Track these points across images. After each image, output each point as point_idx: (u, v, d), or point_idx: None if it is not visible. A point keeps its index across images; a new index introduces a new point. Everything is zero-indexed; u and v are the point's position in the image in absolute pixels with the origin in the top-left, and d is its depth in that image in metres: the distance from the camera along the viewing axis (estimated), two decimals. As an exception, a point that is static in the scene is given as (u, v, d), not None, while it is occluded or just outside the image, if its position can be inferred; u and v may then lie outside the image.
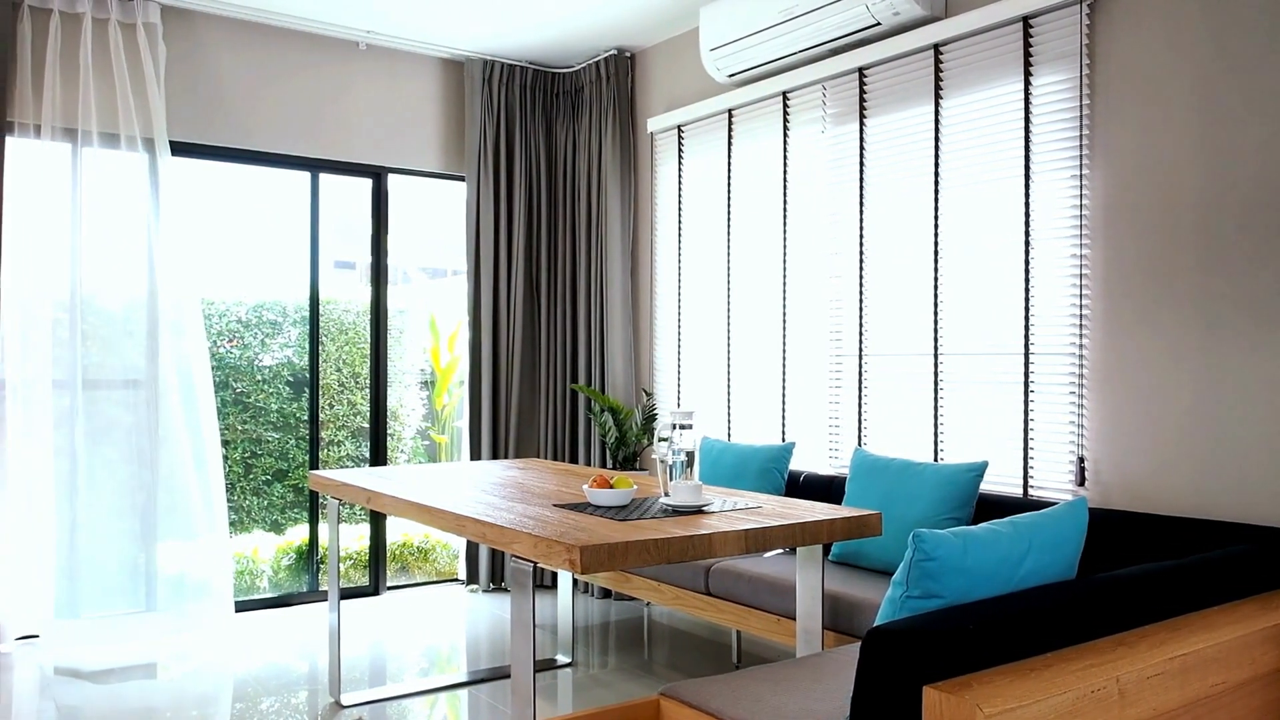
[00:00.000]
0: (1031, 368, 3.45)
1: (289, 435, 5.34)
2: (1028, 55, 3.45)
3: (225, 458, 5.20)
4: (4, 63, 4.16)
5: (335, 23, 4.96)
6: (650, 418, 4.93)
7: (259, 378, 5.27)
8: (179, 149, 4.75)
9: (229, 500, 5.23)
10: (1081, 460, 3.29)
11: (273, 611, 4.90)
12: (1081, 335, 3.31)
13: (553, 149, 5.63)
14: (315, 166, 5.11)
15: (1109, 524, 3.04)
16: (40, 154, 4.33)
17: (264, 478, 5.32)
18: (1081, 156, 3.30)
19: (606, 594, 5.23)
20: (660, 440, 2.91)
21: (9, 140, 4.26)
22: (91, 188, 4.41)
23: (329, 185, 5.21)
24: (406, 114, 5.34)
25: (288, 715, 3.47)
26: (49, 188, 4.35)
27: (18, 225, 4.29)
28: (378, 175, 5.32)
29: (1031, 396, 3.45)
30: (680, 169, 5.06)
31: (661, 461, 2.91)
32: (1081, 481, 3.29)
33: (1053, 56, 3.39)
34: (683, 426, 2.84)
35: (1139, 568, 2.24)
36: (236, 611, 4.87)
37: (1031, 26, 3.44)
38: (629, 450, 4.87)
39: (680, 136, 5.05)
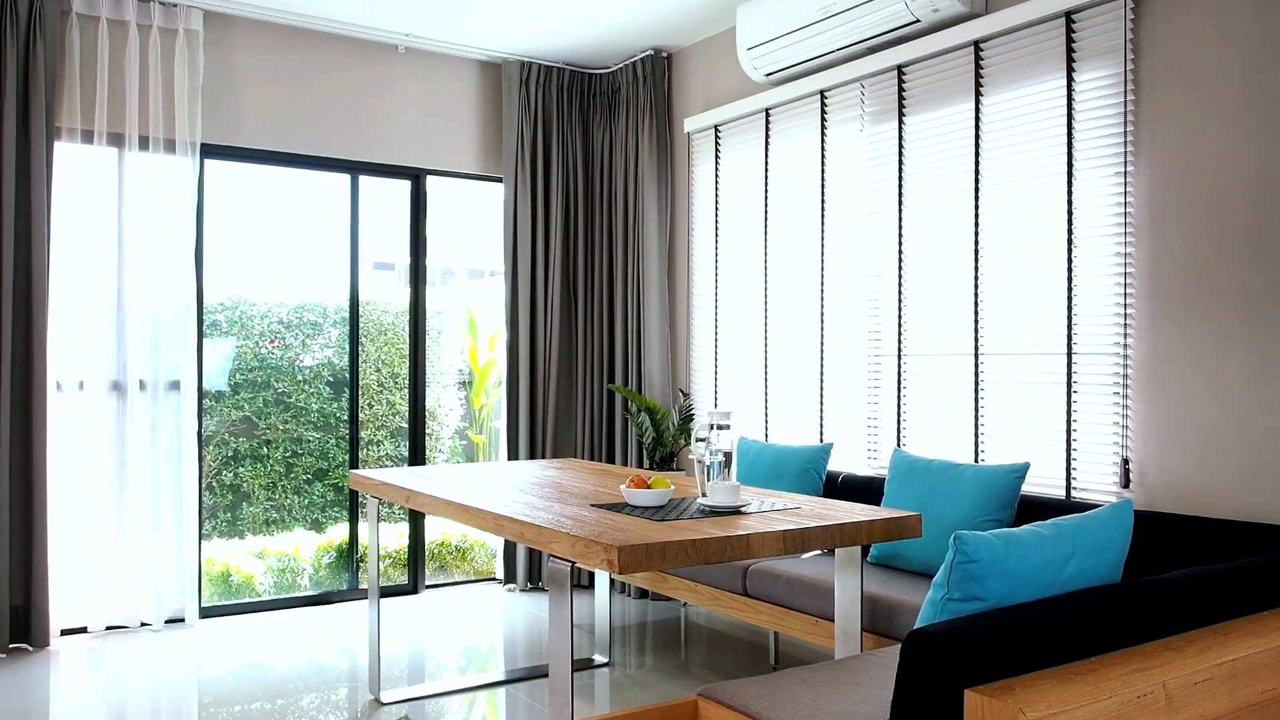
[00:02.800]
0: (1074, 367, 3.40)
1: (329, 435, 5.39)
2: (1070, 51, 3.41)
3: (266, 457, 5.26)
4: (53, 69, 4.24)
5: (374, 26, 5.01)
6: (687, 418, 4.92)
7: (300, 378, 5.33)
8: (221, 152, 4.82)
9: (270, 499, 5.30)
10: (1126, 461, 3.24)
11: (313, 609, 4.95)
12: (1126, 334, 3.25)
13: (590, 149, 5.64)
14: (355, 169, 5.16)
15: (1155, 526, 2.99)
16: (87, 158, 4.42)
17: (305, 477, 5.38)
18: (1126, 153, 3.25)
19: (643, 594, 5.23)
20: (697, 440, 2.91)
21: (57, 145, 4.34)
22: (137, 192, 4.48)
23: (368, 187, 5.26)
24: (445, 116, 5.38)
25: (328, 712, 3.51)
26: (96, 192, 4.44)
27: (66, 229, 4.37)
28: (416, 177, 5.36)
29: (1074, 396, 3.40)
30: (717, 169, 5.05)
31: (699, 462, 2.90)
32: (1126, 483, 3.24)
33: (1096, 52, 3.34)
34: (720, 427, 2.83)
35: (1186, 571, 2.20)
36: (275, 610, 4.93)
37: (1074, 22, 3.39)
38: (666, 450, 4.87)
39: (717, 136, 5.04)
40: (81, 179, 4.41)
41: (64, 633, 4.40)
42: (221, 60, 4.77)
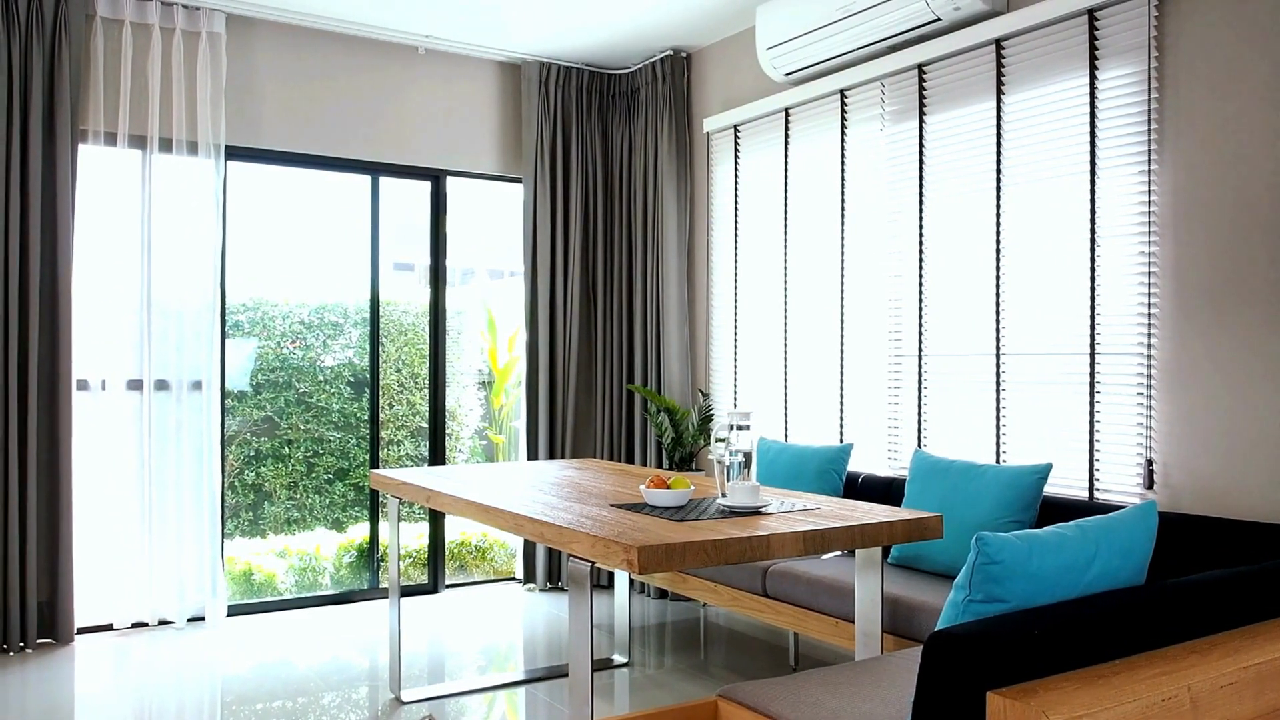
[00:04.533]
0: (1097, 367, 3.38)
1: (350, 435, 5.42)
2: (1093, 49, 3.38)
3: (287, 456, 5.30)
4: (78, 73, 4.28)
5: (394, 28, 5.03)
6: (707, 418, 4.92)
7: (321, 378, 5.36)
8: (243, 154, 4.85)
9: (291, 499, 5.33)
10: (1150, 462, 3.21)
11: (334, 608, 4.98)
12: (1150, 334, 3.23)
13: (609, 150, 5.65)
14: (375, 170, 5.19)
15: (1179, 528, 2.96)
16: (112, 161, 4.46)
17: (326, 476, 5.41)
18: (1150, 151, 3.22)
19: (663, 594, 5.23)
20: (717, 441, 2.90)
21: (82, 148, 4.39)
22: (160, 194, 4.52)
23: (388, 188, 5.28)
24: (464, 117, 5.40)
25: (349, 710, 3.53)
26: (120, 194, 4.48)
27: (91, 231, 4.42)
28: (436, 178, 5.38)
29: (1097, 397, 3.38)
30: (736, 169, 5.04)
31: (718, 462, 2.90)
32: (1150, 484, 3.21)
33: (1119, 49, 3.31)
34: (740, 427, 2.82)
35: (1211, 573, 2.18)
36: (297, 609, 4.96)
37: (1097, 19, 3.37)
38: (685, 451, 4.87)
39: (736, 136, 5.03)
40: (106, 181, 4.45)
41: (88, 629, 4.44)
42: (243, 63, 4.81)
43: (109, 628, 4.48)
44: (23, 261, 4.20)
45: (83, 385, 4.41)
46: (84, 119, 4.38)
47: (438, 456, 5.41)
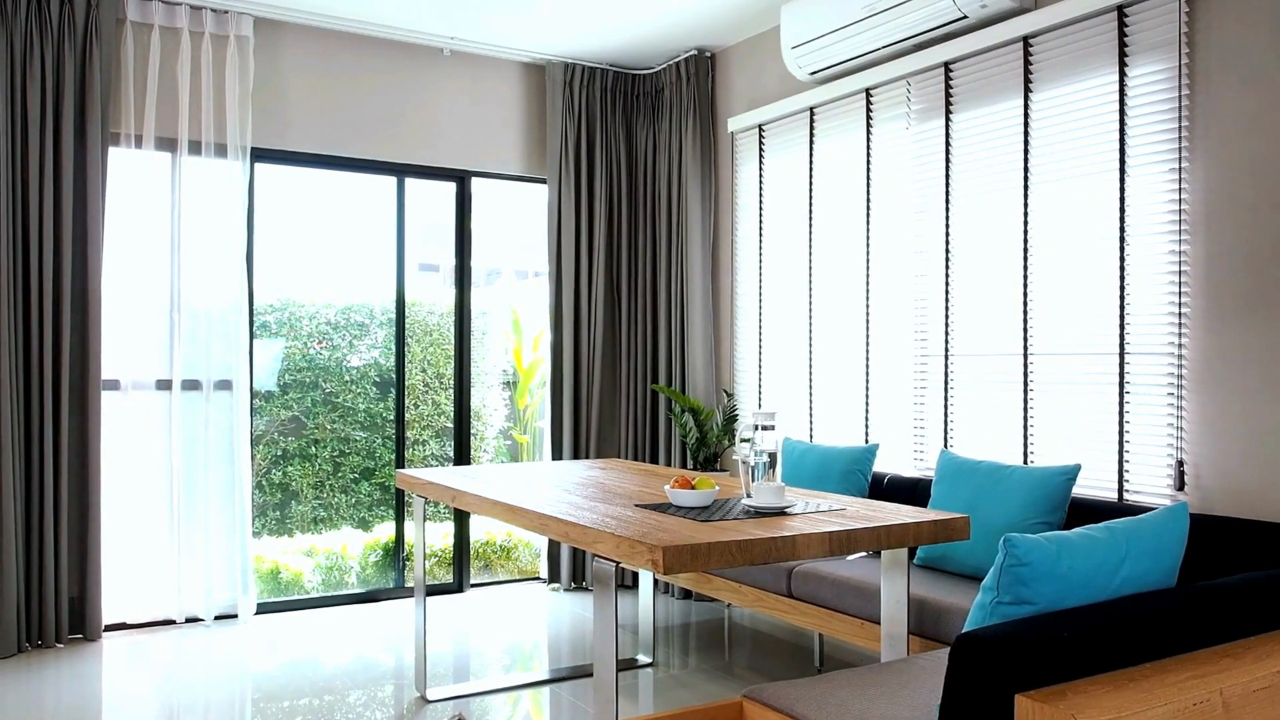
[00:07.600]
0: (1127, 367, 3.34)
1: (376, 434, 5.45)
2: (1122, 45, 3.35)
3: (314, 456, 5.33)
4: (109, 77, 4.33)
5: (420, 30, 5.06)
6: (731, 418, 4.91)
7: (347, 378, 5.39)
8: (270, 156, 4.89)
9: (318, 498, 5.37)
10: (1180, 463, 3.17)
11: (360, 607, 5.01)
12: (1180, 334, 3.19)
13: (633, 150, 5.65)
14: (401, 171, 5.21)
15: (1211, 530, 2.93)
16: (141, 163, 4.51)
17: (352, 476, 5.44)
18: (1180, 149, 3.19)
19: (687, 594, 5.23)
20: (742, 441, 2.90)
21: (112, 150, 4.44)
22: (189, 195, 4.57)
23: (414, 189, 5.31)
24: (489, 118, 5.42)
25: (374, 708, 3.55)
26: (150, 196, 4.53)
27: (121, 232, 4.47)
28: (461, 179, 5.40)
29: (1127, 397, 3.34)
30: (761, 168, 5.03)
31: (743, 462, 2.89)
32: (1181, 485, 3.17)
33: (1149, 46, 3.27)
34: (764, 427, 2.81)
35: (1244, 576, 2.15)
36: (323, 607, 5.00)
37: (1126, 15, 3.33)
38: (710, 451, 4.86)
39: (761, 136, 5.02)
40: (135, 183, 4.50)
41: (117, 626, 4.49)
42: (271, 65, 4.85)
43: (138, 624, 4.53)
44: (55, 263, 4.25)
45: (112, 385, 4.46)
46: (114, 122, 4.43)
47: (463, 456, 5.43)
